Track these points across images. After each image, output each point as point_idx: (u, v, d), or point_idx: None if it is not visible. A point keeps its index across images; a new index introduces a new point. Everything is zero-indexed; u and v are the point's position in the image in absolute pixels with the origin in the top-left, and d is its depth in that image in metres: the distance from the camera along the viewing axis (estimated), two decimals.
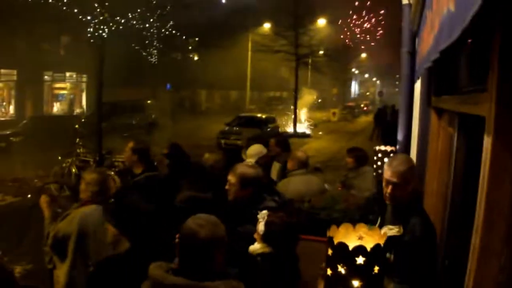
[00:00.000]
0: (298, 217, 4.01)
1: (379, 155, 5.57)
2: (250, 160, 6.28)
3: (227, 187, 4.49)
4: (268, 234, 3.66)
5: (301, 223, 4.09)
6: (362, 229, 2.86)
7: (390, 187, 3.71)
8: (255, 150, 6.66)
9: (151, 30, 18.05)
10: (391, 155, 5.54)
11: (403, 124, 5.47)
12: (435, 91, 4.36)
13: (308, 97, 39.04)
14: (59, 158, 13.54)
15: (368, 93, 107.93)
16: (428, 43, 3.14)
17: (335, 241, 2.64)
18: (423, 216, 3.69)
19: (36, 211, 11.60)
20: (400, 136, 5.50)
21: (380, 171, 5.55)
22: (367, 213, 4.28)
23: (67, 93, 40.79)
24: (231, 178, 4.44)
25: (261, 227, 3.69)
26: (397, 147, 5.61)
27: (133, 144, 6.30)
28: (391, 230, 3.66)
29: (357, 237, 2.80)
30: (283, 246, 3.69)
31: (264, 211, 3.79)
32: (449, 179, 4.11)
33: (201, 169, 6.33)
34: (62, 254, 4.66)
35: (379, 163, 5.54)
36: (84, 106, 40.89)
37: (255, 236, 3.76)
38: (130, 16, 16.43)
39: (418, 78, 5.16)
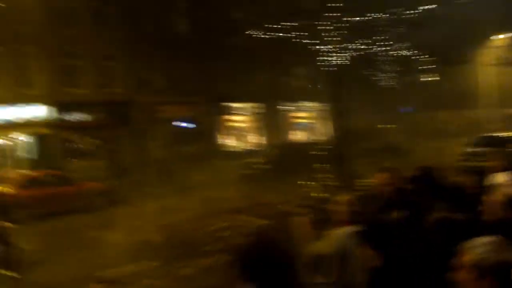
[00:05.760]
0: None
1: None
2: None
3: (485, 207, 4.14)
4: None
5: None
6: None
7: None
8: None
9: (388, 53, 17.79)
10: None
11: None
12: None
13: None
14: (304, 182, 13.96)
15: None
16: None
17: None
18: None
19: (281, 235, 12.17)
20: None
21: None
22: None
23: (306, 122, 42.22)
24: (494, 197, 4.07)
25: None
26: None
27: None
28: None
29: None
30: None
31: None
32: None
33: (459, 189, 5.96)
34: (317, 273, 4.70)
35: None
36: (324, 134, 41.95)
37: None
38: (365, 41, 16.42)
39: None
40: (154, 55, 31.62)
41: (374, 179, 6.12)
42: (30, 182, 20.54)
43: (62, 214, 18.30)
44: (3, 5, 27.26)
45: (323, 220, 9.87)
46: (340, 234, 4.74)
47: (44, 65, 28.74)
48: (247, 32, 20.19)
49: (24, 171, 24.36)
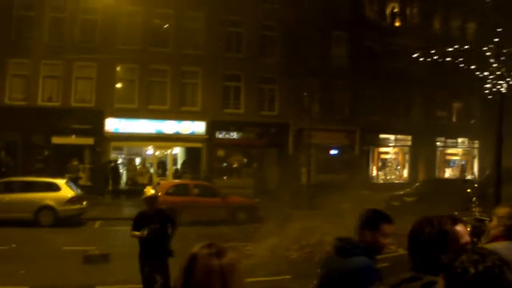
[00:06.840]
0: None
1: None
2: None
3: None
4: None
5: None
6: None
7: None
8: None
9: None
10: None
11: None
12: None
13: None
14: (455, 213, 13.17)
15: None
16: None
17: None
18: None
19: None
20: None
21: None
22: None
23: (459, 159, 40.50)
24: None
25: None
26: None
27: None
28: None
29: None
30: None
31: None
32: None
33: None
34: None
35: None
36: (476, 173, 39.84)
37: None
38: None
39: None
40: (313, 81, 32.01)
41: None
42: (176, 189, 21.72)
43: (205, 223, 18.86)
44: (167, 25, 29.12)
45: (479, 234, 9.20)
46: (496, 248, 4.26)
47: (206, 85, 30.17)
48: (412, 56, 19.67)
49: (173, 180, 25.69)
